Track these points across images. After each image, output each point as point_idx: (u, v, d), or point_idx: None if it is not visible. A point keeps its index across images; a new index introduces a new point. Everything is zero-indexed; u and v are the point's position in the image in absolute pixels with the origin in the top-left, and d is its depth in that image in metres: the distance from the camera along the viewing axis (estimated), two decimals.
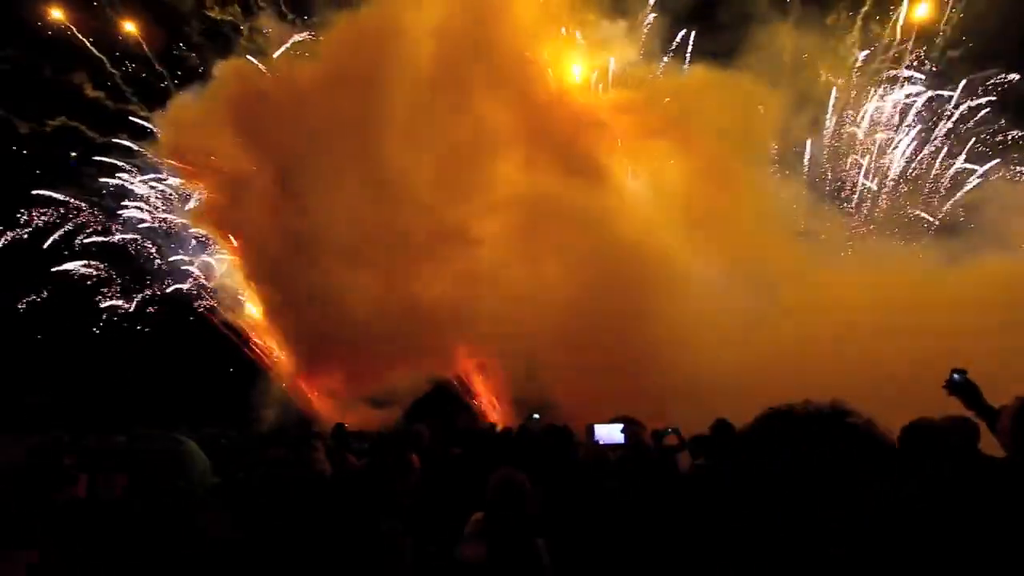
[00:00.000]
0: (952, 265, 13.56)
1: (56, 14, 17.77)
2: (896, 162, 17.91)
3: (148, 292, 19.50)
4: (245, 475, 3.50)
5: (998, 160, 17.14)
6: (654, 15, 17.52)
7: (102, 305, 19.40)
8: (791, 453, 1.53)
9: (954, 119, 17.55)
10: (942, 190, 17.60)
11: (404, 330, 14.45)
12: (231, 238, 17.77)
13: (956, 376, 3.13)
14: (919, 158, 17.88)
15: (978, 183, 17.19)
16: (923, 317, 11.87)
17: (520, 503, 2.85)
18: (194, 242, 19.40)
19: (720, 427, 4.66)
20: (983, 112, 17.27)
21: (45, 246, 18.91)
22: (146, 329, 19.50)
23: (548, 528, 2.96)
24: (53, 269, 18.95)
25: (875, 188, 17.89)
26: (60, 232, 19.00)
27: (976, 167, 17.30)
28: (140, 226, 19.25)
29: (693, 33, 17.80)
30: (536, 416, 6.68)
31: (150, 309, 19.51)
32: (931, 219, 17.00)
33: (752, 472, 1.56)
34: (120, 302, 19.42)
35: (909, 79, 17.67)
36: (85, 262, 19.21)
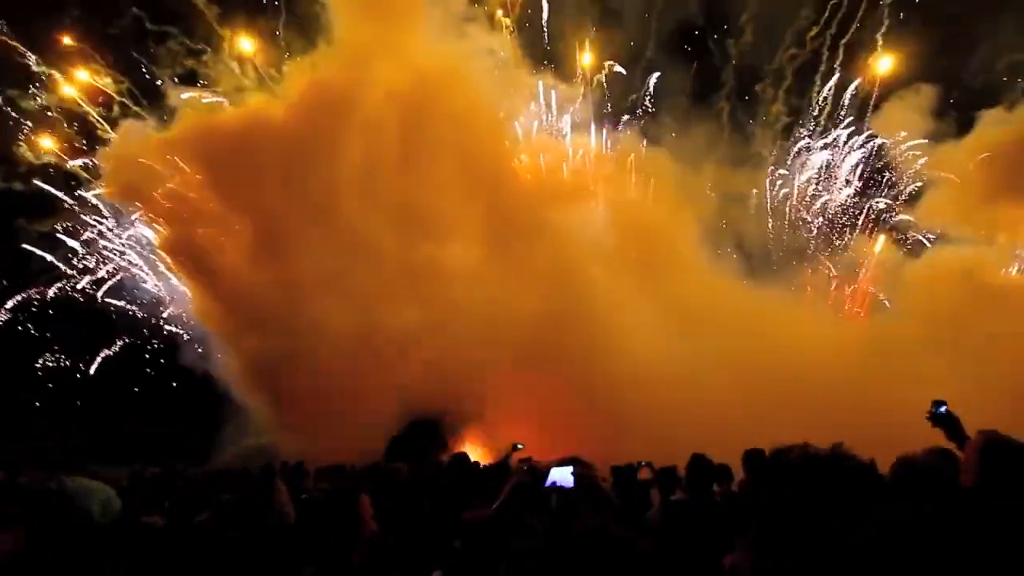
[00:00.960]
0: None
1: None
2: (822, 217, 18.95)
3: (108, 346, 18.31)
4: (205, 516, 3.15)
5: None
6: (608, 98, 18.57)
7: (46, 363, 18.19)
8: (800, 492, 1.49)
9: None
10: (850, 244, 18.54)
11: (374, 364, 14.16)
12: (193, 274, 16.94)
13: (937, 408, 3.04)
14: (841, 211, 18.94)
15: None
16: (859, 362, 12.60)
17: (491, 540, 2.70)
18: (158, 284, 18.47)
19: (697, 463, 4.22)
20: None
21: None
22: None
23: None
24: None
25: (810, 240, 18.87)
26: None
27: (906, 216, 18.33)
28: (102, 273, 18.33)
29: (647, 105, 18.92)
30: (520, 446, 6.41)
31: (93, 369, 18.20)
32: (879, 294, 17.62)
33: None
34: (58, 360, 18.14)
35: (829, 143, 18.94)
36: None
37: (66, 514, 1.85)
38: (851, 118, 18.55)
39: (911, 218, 17.73)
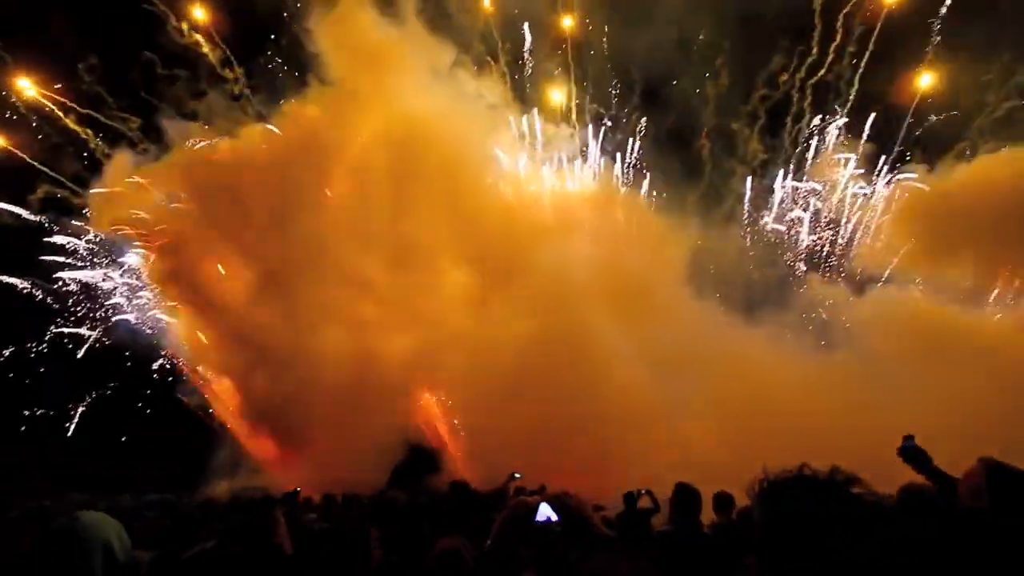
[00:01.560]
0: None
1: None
2: (801, 256, 19.28)
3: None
4: (203, 548, 3.04)
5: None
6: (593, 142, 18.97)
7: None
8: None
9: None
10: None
11: (369, 388, 14.09)
12: (187, 308, 16.66)
13: (906, 443, 3.07)
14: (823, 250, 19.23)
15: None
16: (838, 400, 12.62)
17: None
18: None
19: (680, 492, 4.11)
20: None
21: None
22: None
23: None
24: None
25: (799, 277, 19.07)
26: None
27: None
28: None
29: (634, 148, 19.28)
30: (518, 475, 6.30)
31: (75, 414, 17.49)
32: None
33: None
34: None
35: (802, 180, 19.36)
36: None
37: (90, 551, 1.77)
38: (824, 159, 19.05)
39: (886, 259, 17.93)
